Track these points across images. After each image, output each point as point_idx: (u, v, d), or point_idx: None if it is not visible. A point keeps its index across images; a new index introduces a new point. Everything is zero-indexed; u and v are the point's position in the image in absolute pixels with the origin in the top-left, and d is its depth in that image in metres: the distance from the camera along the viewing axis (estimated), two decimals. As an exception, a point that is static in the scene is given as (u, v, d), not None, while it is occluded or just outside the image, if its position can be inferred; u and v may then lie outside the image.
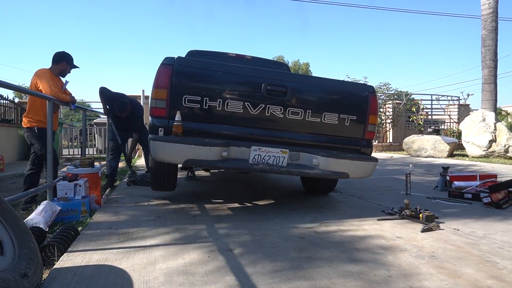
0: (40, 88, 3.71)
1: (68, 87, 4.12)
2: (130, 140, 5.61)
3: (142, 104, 10.36)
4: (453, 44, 78.28)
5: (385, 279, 1.87)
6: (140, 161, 8.73)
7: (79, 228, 2.80)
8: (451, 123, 14.60)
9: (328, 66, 73.57)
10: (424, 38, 76.79)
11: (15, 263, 1.62)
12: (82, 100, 20.55)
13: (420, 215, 2.95)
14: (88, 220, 3.08)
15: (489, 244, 2.43)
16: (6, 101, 9.40)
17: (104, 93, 5.13)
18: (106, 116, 5.40)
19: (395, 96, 14.51)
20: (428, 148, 10.57)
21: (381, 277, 1.89)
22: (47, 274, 1.94)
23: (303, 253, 2.25)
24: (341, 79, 3.68)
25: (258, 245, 2.40)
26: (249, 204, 3.73)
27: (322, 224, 2.95)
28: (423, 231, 2.70)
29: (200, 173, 6.02)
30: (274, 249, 2.32)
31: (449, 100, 15.01)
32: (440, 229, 2.77)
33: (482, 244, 2.43)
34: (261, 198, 4.08)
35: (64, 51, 4.03)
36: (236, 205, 3.67)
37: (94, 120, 12.35)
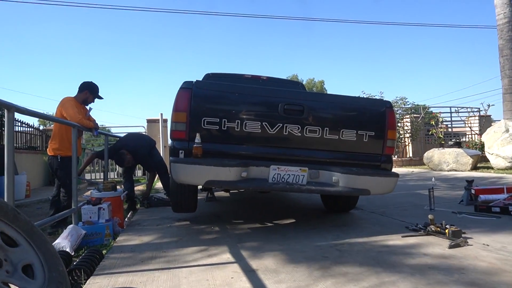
0: (65, 115, 3.87)
1: (91, 113, 4.27)
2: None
3: (161, 127, 10.61)
4: (471, 54, 76.98)
5: (414, 298, 1.82)
6: (159, 184, 8.82)
7: (104, 252, 2.85)
8: (473, 135, 14.25)
9: (343, 83, 73.50)
10: (440, 50, 76.10)
11: (45, 286, 1.66)
12: (103, 125, 21.12)
13: (446, 231, 2.86)
14: (111, 243, 3.13)
15: (522, 260, 2.33)
16: (32, 129, 9.79)
17: (99, 154, 5.40)
18: None
19: (413, 110, 14.33)
20: (450, 161, 10.31)
21: (410, 296, 1.83)
22: (75, 298, 1.98)
23: (328, 272, 2.21)
24: (357, 95, 3.70)
25: (281, 265, 2.38)
26: (269, 224, 3.71)
27: (345, 242, 2.90)
28: (451, 247, 2.62)
29: (220, 194, 6.05)
30: (298, 268, 2.29)
31: (469, 111, 14.70)
32: (468, 244, 2.68)
33: (515, 260, 2.33)
34: (281, 217, 4.05)
35: (90, 82, 4.22)
36: (257, 225, 3.66)
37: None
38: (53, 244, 2.86)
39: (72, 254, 2.79)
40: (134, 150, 5.08)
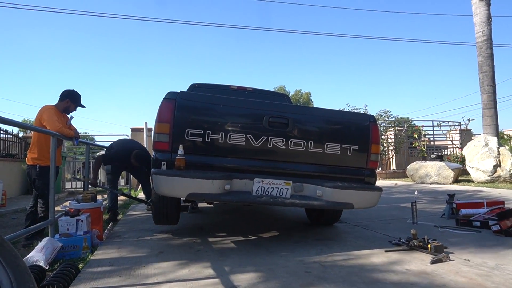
0: (44, 124, 3.76)
1: (72, 121, 4.17)
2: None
3: (145, 136, 10.49)
4: (452, 69, 79.42)
5: (396, 316, 1.80)
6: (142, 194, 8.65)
7: (80, 266, 2.74)
8: (454, 149, 14.57)
9: (329, 95, 74.58)
10: (423, 64, 78.04)
11: (13, 305, 1.58)
12: (86, 133, 20.74)
13: (429, 246, 2.88)
14: (89, 256, 3.03)
15: (503, 276, 2.35)
16: (10, 136, 9.51)
17: (106, 158, 5.23)
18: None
19: (397, 123, 14.58)
20: (433, 174, 10.49)
21: (392, 314, 1.82)
22: (46, 317, 1.88)
23: (310, 288, 2.18)
24: (342, 107, 3.73)
25: (263, 281, 2.33)
26: (253, 237, 3.66)
27: (329, 257, 2.88)
28: (433, 262, 2.63)
29: (203, 204, 5.96)
30: (280, 284, 2.25)
31: (450, 125, 15.06)
32: (450, 260, 2.69)
33: (495, 276, 2.35)
34: (265, 230, 4.01)
35: (71, 90, 4.11)
36: (240, 238, 3.61)
37: (98, 153, 12.39)
38: (26, 257, 2.75)
39: (47, 268, 2.68)
40: (145, 152, 5.23)
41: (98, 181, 5.51)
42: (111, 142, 5.83)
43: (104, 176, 10.84)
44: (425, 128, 14.50)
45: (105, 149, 6.19)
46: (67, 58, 76.09)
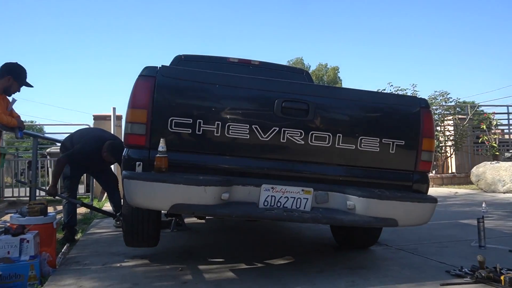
0: (-23, 109, 3.81)
1: (15, 106, 4.22)
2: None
3: (113, 126, 10.55)
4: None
5: None
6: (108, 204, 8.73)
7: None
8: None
9: (363, 72, 74.42)
10: (493, 28, 77.30)
11: None
12: (33, 122, 20.97)
13: (502, 278, 2.89)
14: (38, 290, 3.08)
15: None
16: None
17: (74, 155, 5.00)
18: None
19: (457, 109, 14.50)
20: (508, 180, 10.44)
21: None
22: None
23: (338, 335, 2.20)
24: (382, 88, 3.73)
25: (273, 324, 2.36)
26: (260, 265, 3.70)
27: (363, 292, 2.90)
28: (508, 301, 2.64)
29: (192, 219, 6.00)
30: (297, 329, 2.28)
31: (533, 112, 14.94)
32: (531, 298, 2.70)
33: None
34: (276, 255, 4.04)
35: (14, 63, 4.15)
36: (243, 266, 3.65)
37: (48, 149, 12.50)
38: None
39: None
40: (121, 142, 5.14)
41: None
42: (67, 134, 5.88)
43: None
44: (497, 116, 14.40)
45: (59, 143, 6.22)
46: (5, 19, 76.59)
